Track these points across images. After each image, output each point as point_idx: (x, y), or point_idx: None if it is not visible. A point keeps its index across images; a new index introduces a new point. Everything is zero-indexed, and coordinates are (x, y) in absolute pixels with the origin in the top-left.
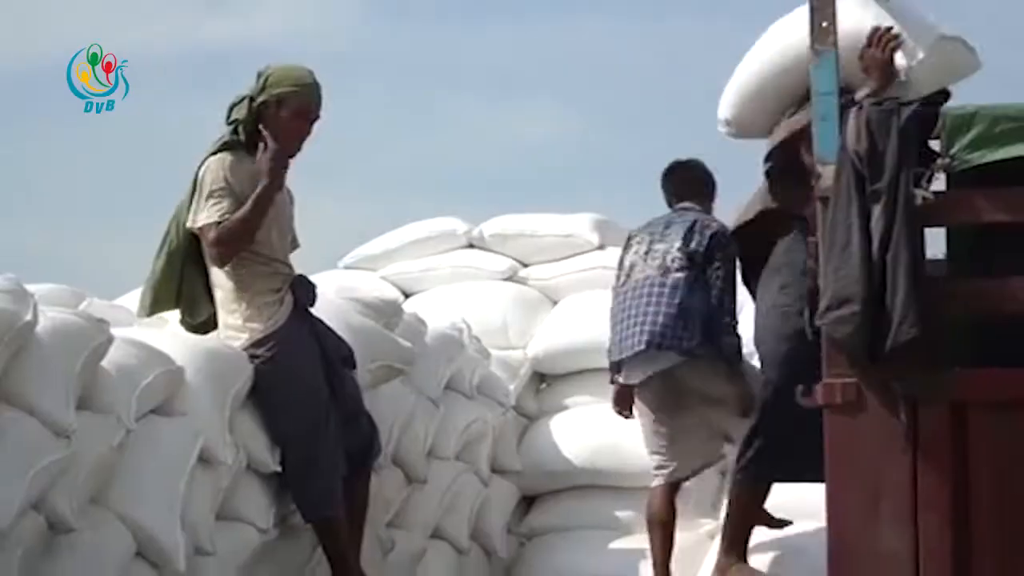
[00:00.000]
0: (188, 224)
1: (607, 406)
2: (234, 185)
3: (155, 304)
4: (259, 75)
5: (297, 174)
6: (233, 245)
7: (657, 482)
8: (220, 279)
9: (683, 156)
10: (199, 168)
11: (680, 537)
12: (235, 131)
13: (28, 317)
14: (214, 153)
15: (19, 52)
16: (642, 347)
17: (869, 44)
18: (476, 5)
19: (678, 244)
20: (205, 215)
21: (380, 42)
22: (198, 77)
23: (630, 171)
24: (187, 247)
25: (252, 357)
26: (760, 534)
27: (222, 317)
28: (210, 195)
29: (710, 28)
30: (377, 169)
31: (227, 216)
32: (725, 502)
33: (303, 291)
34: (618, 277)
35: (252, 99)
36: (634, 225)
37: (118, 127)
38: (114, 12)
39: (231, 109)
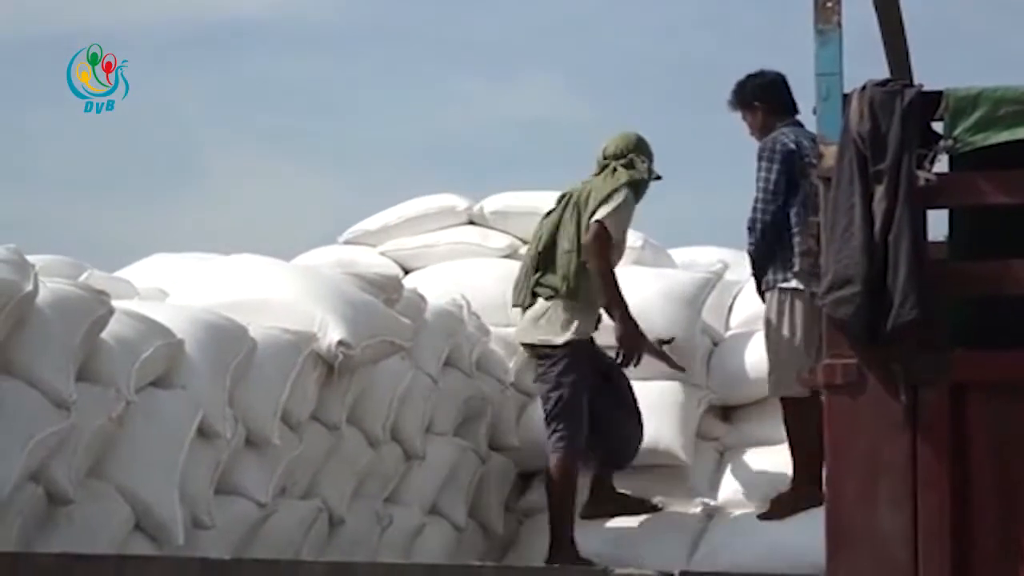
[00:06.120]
0: (592, 214)
1: None
2: (628, 222)
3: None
4: (648, 146)
5: (296, 148)
6: (607, 263)
7: None
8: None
9: (683, 130)
10: (615, 178)
11: (678, 516)
12: (629, 168)
13: (29, 288)
14: (628, 183)
15: (26, 23)
16: None
17: None
18: None
19: None
20: (609, 220)
21: (377, 16)
22: (190, 51)
23: None
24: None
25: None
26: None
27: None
28: (619, 209)
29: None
30: (376, 144)
31: (614, 236)
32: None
33: None
34: None
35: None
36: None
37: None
38: None
39: (624, 152)
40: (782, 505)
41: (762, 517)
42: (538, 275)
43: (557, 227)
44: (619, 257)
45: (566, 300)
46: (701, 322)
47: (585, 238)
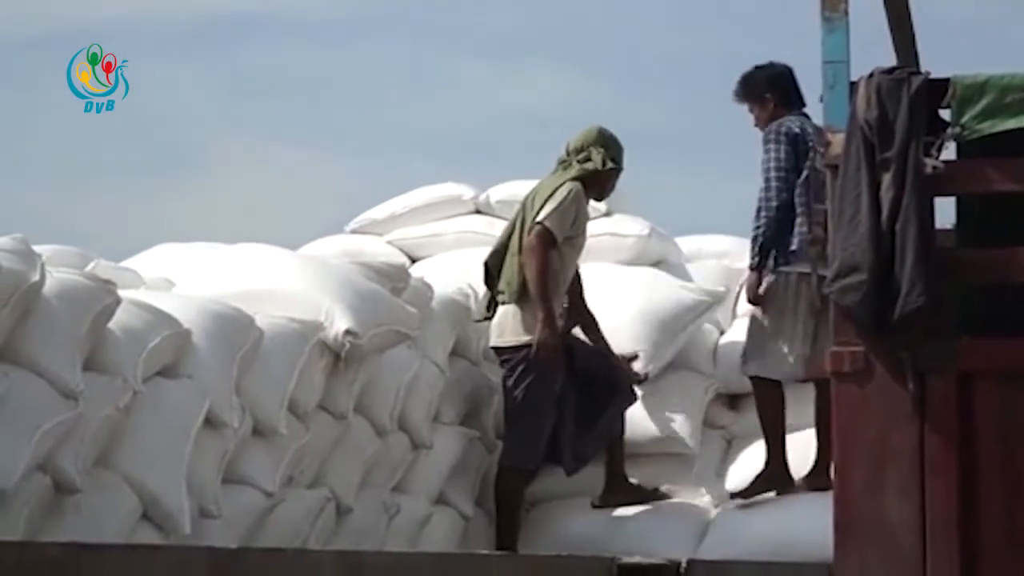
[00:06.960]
0: (535, 216)
1: None
2: (579, 216)
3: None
4: (611, 138)
5: (302, 137)
6: (543, 265)
7: None
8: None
9: (688, 122)
10: (561, 183)
11: (686, 505)
12: (583, 163)
13: (35, 278)
14: (575, 178)
15: (26, 23)
16: None
17: None
18: None
19: None
20: (551, 220)
21: (380, 5)
22: (193, 43)
23: (634, 134)
24: None
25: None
26: (764, 501)
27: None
28: (564, 211)
29: None
30: (382, 133)
31: (558, 236)
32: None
33: None
34: None
35: (612, 159)
36: (639, 192)
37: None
38: None
39: (583, 146)
40: (751, 486)
41: (733, 496)
42: (497, 281)
43: (512, 230)
44: (578, 252)
45: (520, 302)
46: (674, 348)
47: (526, 240)
